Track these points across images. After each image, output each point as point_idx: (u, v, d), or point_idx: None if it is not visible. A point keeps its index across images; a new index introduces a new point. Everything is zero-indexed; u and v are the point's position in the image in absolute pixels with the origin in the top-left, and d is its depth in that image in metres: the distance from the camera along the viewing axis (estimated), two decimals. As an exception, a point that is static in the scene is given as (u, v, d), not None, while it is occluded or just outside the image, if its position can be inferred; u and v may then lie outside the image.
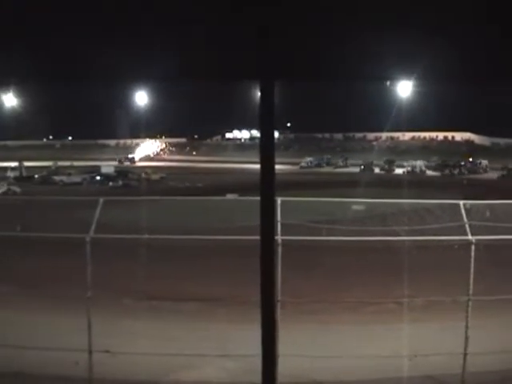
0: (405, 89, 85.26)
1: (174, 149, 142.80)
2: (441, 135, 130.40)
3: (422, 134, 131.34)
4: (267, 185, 5.63)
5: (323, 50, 6.68)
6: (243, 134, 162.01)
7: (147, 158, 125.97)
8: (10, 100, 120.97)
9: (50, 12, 6.80)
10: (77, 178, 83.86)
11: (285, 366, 8.48)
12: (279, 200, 12.72)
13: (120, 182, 78.57)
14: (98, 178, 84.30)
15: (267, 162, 5.66)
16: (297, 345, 14.04)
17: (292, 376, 12.96)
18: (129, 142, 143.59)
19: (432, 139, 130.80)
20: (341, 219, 30.89)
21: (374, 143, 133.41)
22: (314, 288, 20.92)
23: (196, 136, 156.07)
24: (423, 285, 19.44)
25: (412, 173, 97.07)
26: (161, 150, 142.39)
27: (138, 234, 18.35)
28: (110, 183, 78.46)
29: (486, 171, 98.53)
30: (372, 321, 18.32)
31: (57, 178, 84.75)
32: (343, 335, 17.28)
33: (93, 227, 14.46)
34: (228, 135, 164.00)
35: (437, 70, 6.68)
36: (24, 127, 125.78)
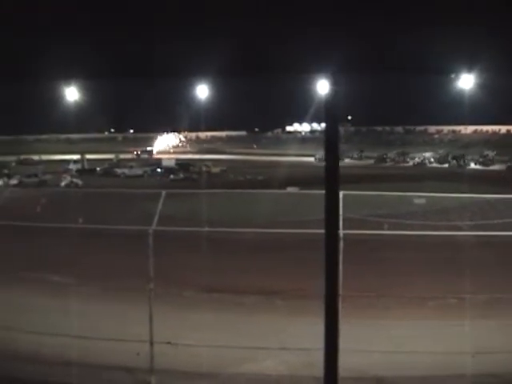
0: (467, 82, 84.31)
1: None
2: (504, 129, 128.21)
3: (485, 128, 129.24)
4: (332, 179, 5.59)
5: (387, 42, 6.62)
6: (304, 127, 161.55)
7: (166, 151, 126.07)
8: (73, 94, 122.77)
9: (113, 12, 6.87)
10: (138, 171, 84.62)
11: (346, 360, 8.39)
12: (341, 194, 12.65)
13: (181, 175, 78.96)
14: (159, 170, 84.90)
15: (332, 157, 5.63)
16: (358, 339, 13.91)
17: (353, 370, 12.85)
18: (189, 134, 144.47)
19: (494, 133, 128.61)
20: (402, 213, 30.61)
21: (436, 136, 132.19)
22: (375, 283, 20.73)
23: (256, 129, 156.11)
24: (487, 281, 19.15)
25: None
26: (182, 142, 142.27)
27: (199, 227, 18.42)
28: (171, 176, 78.87)
29: None
30: (433, 316, 18.09)
31: (118, 170, 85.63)
32: (404, 330, 17.09)
33: (155, 219, 14.54)
34: (288, 128, 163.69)
35: (499, 63, 6.57)
36: (86, 120, 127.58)
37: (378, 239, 18.66)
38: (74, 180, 72.52)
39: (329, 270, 5.91)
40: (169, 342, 14.49)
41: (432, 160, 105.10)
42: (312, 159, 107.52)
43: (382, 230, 24.15)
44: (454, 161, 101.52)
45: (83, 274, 20.52)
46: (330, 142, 5.63)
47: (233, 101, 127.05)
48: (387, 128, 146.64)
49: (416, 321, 17.90)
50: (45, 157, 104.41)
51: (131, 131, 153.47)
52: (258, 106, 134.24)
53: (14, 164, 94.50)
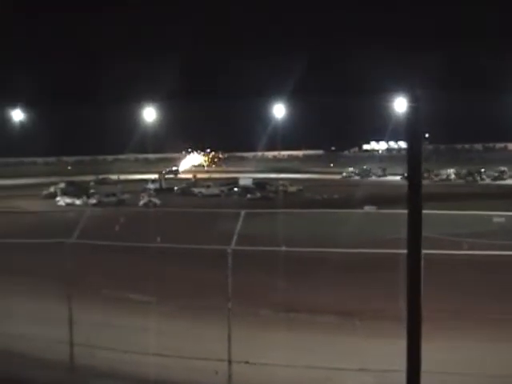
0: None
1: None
2: None
3: None
4: (415, 197, 5.51)
5: (467, 61, 6.52)
6: (381, 146, 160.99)
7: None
8: (151, 115, 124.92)
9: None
10: (215, 190, 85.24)
11: (427, 382, 8.23)
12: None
13: (258, 194, 79.17)
14: (236, 189, 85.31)
15: (415, 174, 5.55)
16: (440, 361, 13.67)
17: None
18: (265, 154, 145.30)
19: None
20: (482, 233, 30.05)
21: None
22: (454, 303, 20.39)
23: (333, 148, 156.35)
24: None
25: None
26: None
27: (276, 247, 18.39)
28: (248, 195, 79.17)
29: None
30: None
31: (196, 189, 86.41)
32: (486, 352, 16.72)
33: (234, 239, 14.57)
34: (365, 147, 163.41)
35: None
36: (163, 141, 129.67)
37: (457, 259, 18.32)
38: (152, 199, 73.36)
39: (411, 291, 5.82)
40: (247, 362, 14.48)
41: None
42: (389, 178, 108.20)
43: (461, 249, 23.71)
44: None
45: (162, 292, 20.70)
46: (413, 160, 5.56)
47: (310, 120, 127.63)
48: (466, 146, 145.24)
49: (497, 343, 17.49)
50: (123, 176, 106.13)
51: (208, 151, 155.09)
52: (335, 125, 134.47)
53: (92, 183, 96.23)
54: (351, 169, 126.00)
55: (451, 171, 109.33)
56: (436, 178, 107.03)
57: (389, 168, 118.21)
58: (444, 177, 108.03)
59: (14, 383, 14.74)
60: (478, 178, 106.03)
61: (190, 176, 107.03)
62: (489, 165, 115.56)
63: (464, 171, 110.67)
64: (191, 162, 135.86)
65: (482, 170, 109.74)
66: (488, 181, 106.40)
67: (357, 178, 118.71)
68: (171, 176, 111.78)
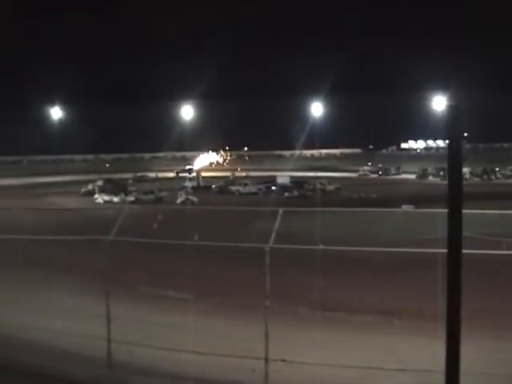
0: None
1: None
2: None
3: None
4: (455, 197, 5.45)
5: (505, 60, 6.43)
6: (419, 145, 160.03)
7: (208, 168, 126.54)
8: (188, 113, 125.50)
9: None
10: (253, 188, 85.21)
11: (466, 382, 8.12)
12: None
13: (295, 193, 79.03)
14: (274, 188, 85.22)
15: (455, 174, 5.49)
16: (479, 361, 13.54)
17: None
18: (303, 152, 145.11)
19: None
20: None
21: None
22: (493, 303, 20.21)
23: (371, 146, 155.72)
24: None
25: None
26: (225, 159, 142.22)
27: (314, 245, 18.33)
28: (286, 193, 79.05)
29: None
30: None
31: (233, 188, 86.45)
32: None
33: (272, 237, 14.54)
34: (403, 145, 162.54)
35: None
36: (200, 139, 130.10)
37: (497, 259, 18.12)
38: (190, 197, 73.51)
39: (451, 290, 5.75)
40: (283, 360, 14.45)
41: None
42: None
43: (500, 249, 23.45)
44: None
45: (199, 289, 20.76)
46: (454, 159, 5.50)
47: (348, 119, 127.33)
48: (505, 145, 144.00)
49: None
50: (161, 174, 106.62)
51: (245, 149, 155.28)
52: (373, 124, 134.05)
53: (130, 181, 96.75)
54: (367, 167, 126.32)
55: (466, 170, 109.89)
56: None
57: (427, 167, 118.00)
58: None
59: (54, 379, 14.87)
60: (493, 177, 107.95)
61: (228, 174, 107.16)
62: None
63: (479, 170, 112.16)
64: (206, 160, 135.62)
65: (497, 169, 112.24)
66: (503, 179, 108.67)
67: (373, 176, 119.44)
68: (185, 174, 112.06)
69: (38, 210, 45.97)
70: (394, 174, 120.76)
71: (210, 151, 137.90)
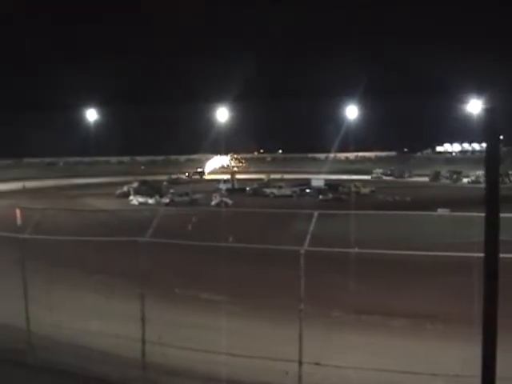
0: None
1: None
2: None
3: None
4: (493, 200, 5.40)
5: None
6: (454, 148, 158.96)
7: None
8: (223, 115, 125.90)
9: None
10: (287, 191, 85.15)
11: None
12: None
13: (330, 195, 78.84)
14: (308, 190, 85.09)
15: (493, 177, 5.44)
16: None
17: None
18: (338, 155, 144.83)
19: None
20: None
21: None
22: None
23: (406, 149, 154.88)
24: None
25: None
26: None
27: (349, 248, 18.30)
28: (320, 196, 78.87)
29: None
30: None
31: (267, 190, 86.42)
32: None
33: (307, 240, 14.51)
34: (439, 148, 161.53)
35: None
36: (235, 141, 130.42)
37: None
38: (224, 199, 73.61)
39: (488, 295, 5.70)
40: (317, 363, 14.42)
41: None
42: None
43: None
44: None
45: (233, 291, 20.81)
46: (491, 162, 5.45)
47: (383, 121, 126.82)
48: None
49: None
50: (195, 176, 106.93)
51: (280, 151, 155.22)
52: (408, 127, 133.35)
53: (165, 183, 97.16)
54: (379, 170, 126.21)
55: (480, 173, 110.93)
56: (465, 180, 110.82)
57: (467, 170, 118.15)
58: (474, 178, 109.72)
59: (90, 379, 15.00)
60: (507, 180, 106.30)
61: (261, 176, 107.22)
62: None
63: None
64: (217, 163, 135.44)
65: (510, 172, 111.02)
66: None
67: (386, 178, 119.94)
68: (197, 177, 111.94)
69: (73, 211, 46.45)
70: (408, 177, 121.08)
71: (222, 154, 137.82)
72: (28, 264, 17.35)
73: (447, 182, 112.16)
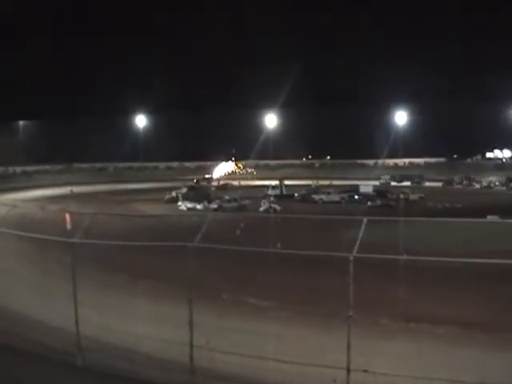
0: None
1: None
2: None
3: None
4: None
5: None
6: (505, 154, 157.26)
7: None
8: (272, 121, 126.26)
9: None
10: (335, 197, 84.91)
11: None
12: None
13: (378, 202, 78.39)
14: (357, 197, 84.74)
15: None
16: None
17: None
18: (386, 161, 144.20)
19: None
20: None
21: None
22: None
23: (455, 156, 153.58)
24: None
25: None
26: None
27: (398, 255, 18.16)
28: (369, 203, 78.46)
29: None
30: None
31: (316, 196, 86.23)
32: None
33: (356, 246, 14.43)
34: (488, 154, 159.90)
35: None
36: (284, 147, 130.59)
37: None
38: (273, 205, 73.56)
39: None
40: (365, 370, 14.33)
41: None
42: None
43: None
44: None
45: (281, 297, 20.78)
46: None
47: (432, 127, 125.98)
48: None
49: None
50: (244, 182, 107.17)
51: (328, 158, 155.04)
52: (458, 133, 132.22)
53: (213, 189, 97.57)
54: (387, 176, 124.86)
55: (494, 179, 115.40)
56: (477, 185, 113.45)
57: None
58: (486, 184, 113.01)
59: (137, 383, 15.11)
60: None
61: (310, 183, 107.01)
62: None
63: (503, 178, 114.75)
64: (224, 169, 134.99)
65: None
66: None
67: (393, 183, 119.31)
68: (205, 183, 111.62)
69: (122, 216, 46.85)
70: (417, 182, 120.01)
71: (228, 160, 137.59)
72: (77, 268, 17.55)
73: (459, 187, 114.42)
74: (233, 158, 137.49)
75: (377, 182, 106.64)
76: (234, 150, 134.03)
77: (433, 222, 26.95)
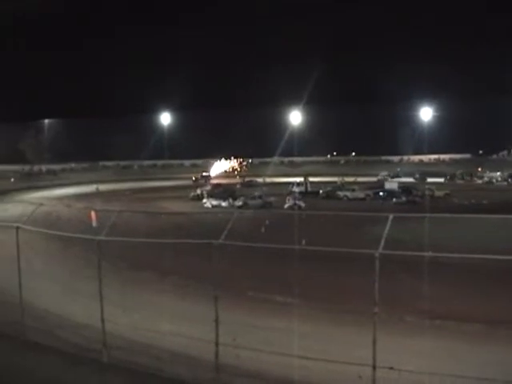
0: None
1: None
2: None
3: None
4: None
5: None
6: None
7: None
8: (296, 118, 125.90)
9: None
10: (360, 194, 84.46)
11: None
12: None
13: (403, 199, 77.92)
14: (382, 193, 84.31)
15: None
16: None
17: None
18: (411, 158, 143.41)
19: None
20: None
21: None
22: None
23: (481, 151, 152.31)
24: None
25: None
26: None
27: (423, 251, 18.09)
28: (394, 199, 78.01)
29: None
30: None
31: (341, 193, 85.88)
32: None
33: (382, 243, 14.38)
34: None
35: None
36: (308, 144, 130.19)
37: None
38: (298, 202, 73.35)
39: None
40: (391, 368, 14.29)
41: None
42: None
43: None
44: None
45: (306, 295, 20.77)
46: None
47: (457, 123, 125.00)
48: None
49: None
50: (268, 179, 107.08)
51: (353, 154, 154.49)
52: (484, 129, 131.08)
53: (238, 186, 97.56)
54: (384, 172, 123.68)
55: (495, 175, 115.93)
56: (480, 181, 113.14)
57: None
58: (487, 179, 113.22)
59: (163, 380, 15.16)
60: None
61: (335, 180, 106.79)
62: None
63: (505, 174, 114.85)
64: (222, 167, 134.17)
65: None
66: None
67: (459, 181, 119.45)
68: (202, 181, 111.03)
69: (148, 214, 47.01)
70: (417, 179, 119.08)
71: (224, 159, 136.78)
72: (103, 265, 17.66)
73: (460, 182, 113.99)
74: (231, 157, 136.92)
75: (402, 179, 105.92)
76: (250, 150, 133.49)
77: (458, 219, 26.83)
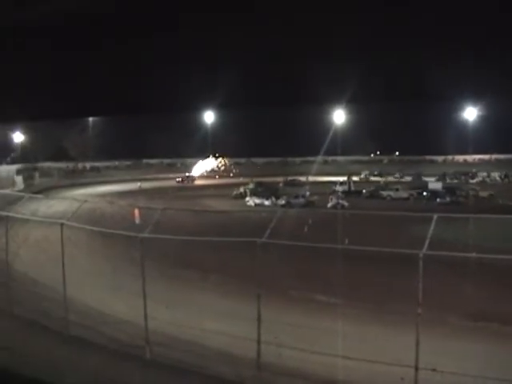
0: None
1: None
2: None
3: None
4: None
5: None
6: None
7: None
8: (340, 117, 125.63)
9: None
10: (404, 194, 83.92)
11: None
12: None
13: (447, 199, 77.25)
14: (425, 193, 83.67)
15: None
16: None
17: None
18: (456, 158, 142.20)
19: None
20: None
21: None
22: None
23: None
24: None
25: None
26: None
27: (468, 252, 17.94)
28: (438, 199, 77.35)
29: None
30: None
31: (384, 193, 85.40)
32: None
33: (426, 243, 14.30)
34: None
35: None
36: (352, 143, 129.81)
37: None
38: (341, 201, 73.13)
39: None
40: (434, 369, 14.21)
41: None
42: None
43: None
44: None
45: (349, 294, 20.70)
46: None
47: (503, 123, 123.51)
48: None
49: None
50: (312, 178, 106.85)
51: (396, 154, 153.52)
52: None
53: (281, 185, 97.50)
54: (367, 171, 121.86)
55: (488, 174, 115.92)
56: (473, 181, 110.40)
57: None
58: (480, 179, 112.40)
59: (205, 377, 15.24)
60: None
61: (379, 179, 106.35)
62: None
63: (500, 174, 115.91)
64: (204, 167, 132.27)
65: None
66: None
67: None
68: (186, 182, 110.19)
69: (191, 212, 47.22)
70: (397, 178, 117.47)
71: (210, 156, 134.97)
72: (147, 262, 17.79)
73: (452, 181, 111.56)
74: (216, 154, 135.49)
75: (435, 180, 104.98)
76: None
77: (505, 220, 26.47)
